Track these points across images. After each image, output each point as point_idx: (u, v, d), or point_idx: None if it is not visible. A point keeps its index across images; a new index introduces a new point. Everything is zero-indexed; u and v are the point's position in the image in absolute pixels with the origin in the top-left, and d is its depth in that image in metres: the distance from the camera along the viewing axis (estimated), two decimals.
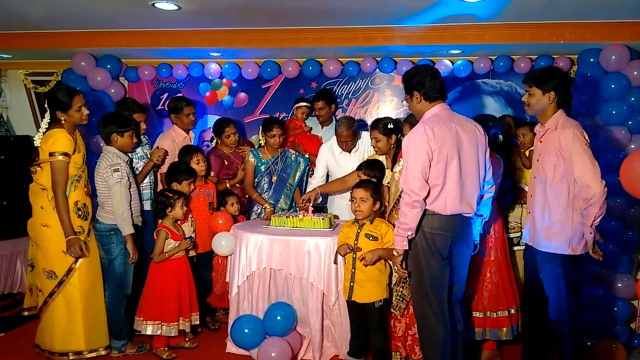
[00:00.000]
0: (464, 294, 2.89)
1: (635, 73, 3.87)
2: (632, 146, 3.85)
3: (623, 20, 3.72)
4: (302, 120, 4.40)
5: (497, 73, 4.54)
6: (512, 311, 3.26)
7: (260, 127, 4.02)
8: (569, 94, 2.80)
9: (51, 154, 3.03)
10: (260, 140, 4.13)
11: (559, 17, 3.70)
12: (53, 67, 4.95)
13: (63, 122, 3.11)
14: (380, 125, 3.37)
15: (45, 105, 3.15)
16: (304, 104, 4.42)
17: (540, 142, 2.82)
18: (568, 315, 2.70)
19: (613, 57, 3.87)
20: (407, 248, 2.62)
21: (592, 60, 4.05)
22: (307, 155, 4.15)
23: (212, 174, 4.03)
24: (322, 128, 4.45)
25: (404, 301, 3.01)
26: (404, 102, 2.86)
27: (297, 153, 4.11)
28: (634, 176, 2.57)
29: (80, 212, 3.14)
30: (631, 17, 3.67)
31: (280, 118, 4.73)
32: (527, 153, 3.63)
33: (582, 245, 2.67)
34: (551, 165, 2.68)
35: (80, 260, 3.14)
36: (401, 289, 3.00)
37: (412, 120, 3.09)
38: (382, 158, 3.51)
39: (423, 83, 2.66)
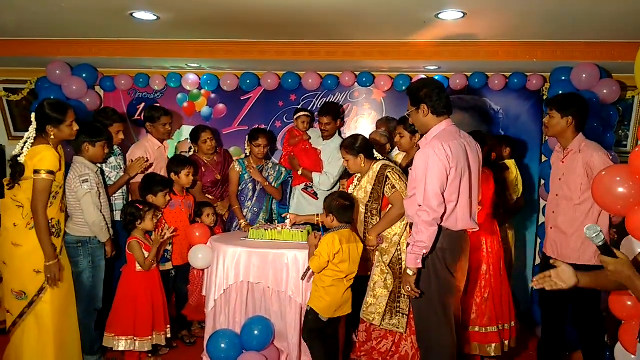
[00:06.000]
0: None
1: (604, 91, 4.01)
2: None
3: (593, 40, 3.85)
4: (304, 130, 4.34)
5: (473, 89, 4.63)
6: (506, 327, 3.29)
7: (247, 137, 4.10)
8: (586, 120, 3.00)
9: (36, 172, 2.89)
10: (246, 149, 4.17)
11: (532, 36, 3.81)
12: (26, 75, 4.83)
13: (52, 137, 2.98)
14: (407, 121, 3.39)
15: (32, 119, 2.99)
16: (304, 113, 4.36)
17: (562, 162, 3.00)
18: (592, 318, 2.98)
19: (584, 75, 4.00)
20: (420, 266, 2.54)
21: (563, 78, 4.17)
22: (300, 171, 4.18)
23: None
24: (324, 141, 4.36)
25: (405, 316, 3.01)
26: (407, 114, 2.79)
27: (279, 164, 4.19)
28: (605, 191, 2.64)
29: (54, 230, 3.00)
30: (601, 38, 3.80)
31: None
32: None
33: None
34: (577, 185, 2.86)
35: None
36: (398, 305, 2.99)
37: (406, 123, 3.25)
38: (401, 156, 3.63)
39: (431, 96, 2.62)
